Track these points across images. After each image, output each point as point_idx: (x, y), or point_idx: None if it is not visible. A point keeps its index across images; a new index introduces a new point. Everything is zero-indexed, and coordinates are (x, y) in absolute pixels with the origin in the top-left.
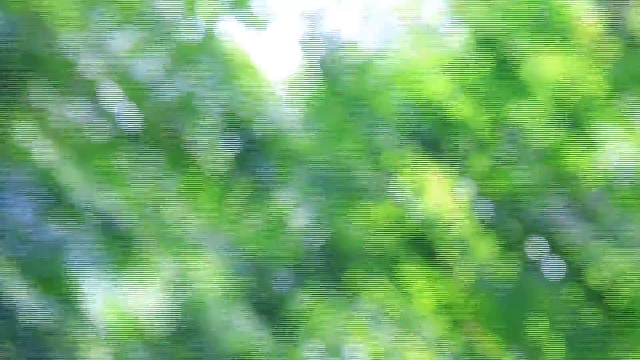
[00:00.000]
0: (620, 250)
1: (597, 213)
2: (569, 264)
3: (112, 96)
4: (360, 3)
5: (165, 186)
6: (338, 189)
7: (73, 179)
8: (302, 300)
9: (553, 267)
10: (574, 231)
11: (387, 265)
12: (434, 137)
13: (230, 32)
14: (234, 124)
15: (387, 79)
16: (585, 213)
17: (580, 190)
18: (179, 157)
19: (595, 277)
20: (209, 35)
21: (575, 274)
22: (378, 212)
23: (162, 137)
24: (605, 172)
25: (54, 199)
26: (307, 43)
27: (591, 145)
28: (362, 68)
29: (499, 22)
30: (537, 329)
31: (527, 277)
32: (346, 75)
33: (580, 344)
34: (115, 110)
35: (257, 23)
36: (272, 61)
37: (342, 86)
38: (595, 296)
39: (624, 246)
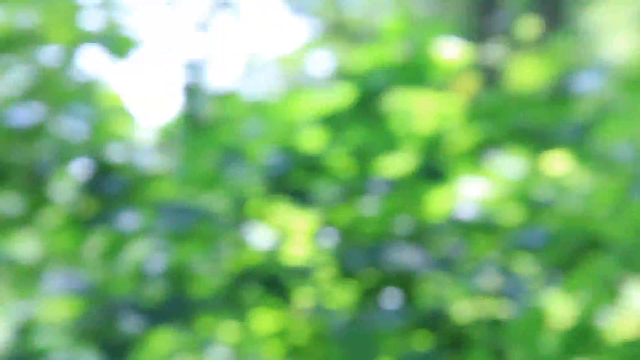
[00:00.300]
0: (456, 279)
1: (442, 249)
2: (413, 300)
3: None
4: (244, 53)
5: (17, 222)
6: (198, 235)
7: None
8: (152, 343)
9: (403, 310)
10: (423, 270)
11: (240, 309)
12: (302, 186)
13: (106, 74)
14: (100, 167)
15: (262, 128)
16: (431, 250)
17: (435, 237)
18: (39, 199)
19: (430, 304)
20: (85, 79)
21: (412, 303)
22: (237, 258)
23: (25, 180)
24: (454, 212)
25: None
26: (184, 90)
27: (451, 193)
28: (238, 117)
29: (377, 75)
30: None
31: (377, 320)
32: (221, 123)
33: None
34: None
35: (135, 67)
36: (147, 106)
37: (215, 134)
38: (429, 322)
39: (460, 275)
